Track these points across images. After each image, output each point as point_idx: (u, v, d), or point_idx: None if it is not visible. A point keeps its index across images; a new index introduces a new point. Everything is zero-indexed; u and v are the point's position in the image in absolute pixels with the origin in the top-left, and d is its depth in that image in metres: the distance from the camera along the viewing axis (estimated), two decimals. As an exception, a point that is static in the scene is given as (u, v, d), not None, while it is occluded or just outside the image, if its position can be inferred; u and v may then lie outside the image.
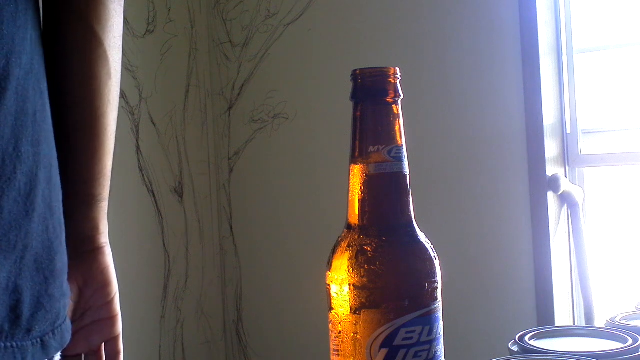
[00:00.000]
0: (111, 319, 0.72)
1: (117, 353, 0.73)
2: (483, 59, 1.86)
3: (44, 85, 0.60)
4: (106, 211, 0.72)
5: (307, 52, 2.17)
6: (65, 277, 0.61)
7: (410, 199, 0.57)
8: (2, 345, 0.52)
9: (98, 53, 0.66)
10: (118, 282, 0.73)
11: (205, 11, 2.37)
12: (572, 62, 1.85)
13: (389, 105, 0.57)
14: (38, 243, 0.57)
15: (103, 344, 0.72)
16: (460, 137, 1.90)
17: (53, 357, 0.61)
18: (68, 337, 0.61)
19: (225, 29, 2.34)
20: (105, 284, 0.71)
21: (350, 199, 0.57)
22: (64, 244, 0.61)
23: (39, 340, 0.56)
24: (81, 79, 0.66)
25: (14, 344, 0.53)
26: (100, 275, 0.71)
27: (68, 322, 0.61)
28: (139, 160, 2.13)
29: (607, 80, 1.86)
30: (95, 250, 0.71)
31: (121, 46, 0.69)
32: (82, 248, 0.69)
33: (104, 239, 0.72)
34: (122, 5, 0.68)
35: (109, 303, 0.71)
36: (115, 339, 0.72)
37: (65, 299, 0.61)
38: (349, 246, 0.56)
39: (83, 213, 0.69)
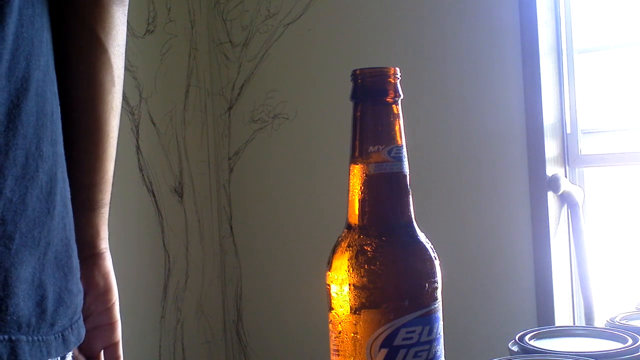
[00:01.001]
0: (111, 324, 0.72)
1: (116, 359, 0.73)
2: (483, 59, 1.86)
3: (56, 88, 0.61)
4: (107, 217, 0.73)
5: (307, 52, 2.17)
6: (79, 274, 0.63)
7: (410, 199, 0.57)
8: (30, 339, 0.54)
9: (102, 60, 0.67)
10: (118, 282, 0.73)
11: (205, 11, 2.37)
12: (572, 62, 1.85)
13: (389, 105, 0.57)
14: (58, 240, 0.58)
15: (103, 350, 0.72)
16: (460, 137, 1.90)
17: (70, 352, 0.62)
18: (83, 332, 0.62)
19: (225, 29, 2.34)
20: (106, 290, 0.71)
21: (350, 199, 0.57)
22: (75, 242, 0.63)
23: (60, 334, 0.58)
24: (85, 85, 0.67)
25: (40, 337, 0.55)
26: (102, 280, 0.71)
27: (82, 318, 0.63)
28: (139, 160, 2.13)
29: (607, 80, 1.86)
30: (96, 255, 0.71)
31: (124, 54, 0.70)
32: (84, 253, 0.69)
33: (105, 244, 0.73)
34: (126, 14, 0.69)
35: (110, 309, 0.72)
36: (115, 345, 0.73)
37: (81, 295, 0.63)
38: (349, 246, 0.56)
39: (85, 218, 0.70)
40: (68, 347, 0.59)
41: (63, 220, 0.59)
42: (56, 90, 0.60)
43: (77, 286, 0.61)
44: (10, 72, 0.53)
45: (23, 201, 0.54)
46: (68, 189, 0.62)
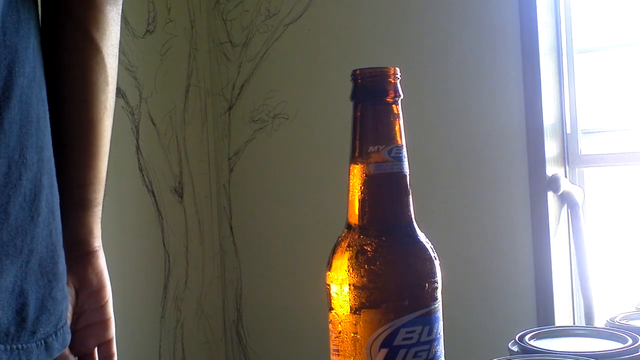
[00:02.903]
0: (105, 322, 0.72)
1: (111, 356, 0.73)
2: (483, 59, 1.86)
3: (45, 93, 0.61)
4: (100, 215, 0.73)
5: (307, 52, 2.17)
6: (66, 279, 0.62)
7: (410, 199, 0.57)
8: (9, 347, 0.53)
9: (96, 60, 0.67)
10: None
11: (205, 11, 2.37)
12: (572, 62, 1.85)
13: (389, 105, 0.57)
14: (42, 247, 0.58)
15: (97, 347, 0.72)
16: (460, 137, 1.90)
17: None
18: (69, 338, 0.62)
19: (225, 29, 2.34)
20: (100, 288, 0.72)
21: (350, 199, 0.57)
22: (62, 247, 0.62)
23: (42, 342, 0.57)
24: (79, 85, 0.67)
25: (20, 346, 0.55)
26: (95, 278, 0.71)
27: (68, 324, 0.63)
28: (139, 160, 2.13)
29: (607, 80, 1.86)
30: (90, 254, 0.71)
31: (117, 54, 0.70)
32: (77, 252, 0.70)
33: (98, 242, 0.73)
34: (120, 13, 0.69)
35: (103, 306, 0.72)
36: (108, 342, 0.73)
37: (66, 301, 0.62)
38: (349, 246, 0.56)
39: (78, 217, 0.70)
40: (51, 354, 0.59)
41: (49, 226, 0.59)
42: (44, 97, 0.60)
43: (63, 292, 0.61)
44: None
45: (5, 210, 0.53)
46: (56, 194, 0.61)
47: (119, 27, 0.70)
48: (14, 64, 0.55)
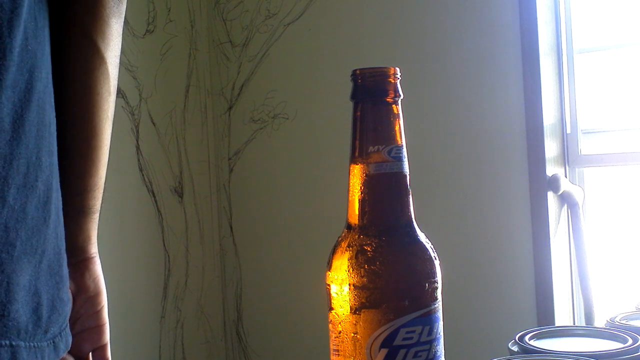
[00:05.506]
0: (100, 327, 0.73)
1: None
2: (483, 58, 1.86)
3: (53, 99, 0.62)
4: (97, 222, 0.74)
5: (307, 52, 2.17)
6: (69, 283, 0.64)
7: (410, 199, 0.57)
8: (28, 345, 0.55)
9: (101, 70, 0.68)
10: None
11: (205, 11, 2.37)
12: (572, 62, 1.85)
13: (389, 105, 0.57)
14: (51, 249, 0.59)
15: (91, 352, 0.73)
16: (460, 137, 1.90)
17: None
18: (70, 339, 0.63)
19: (225, 29, 2.34)
20: (96, 293, 0.73)
21: (350, 199, 0.57)
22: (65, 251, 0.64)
23: (52, 341, 0.59)
24: (83, 94, 0.68)
25: (35, 344, 0.56)
26: (92, 284, 0.72)
27: (69, 326, 0.64)
28: (139, 160, 2.13)
29: (607, 80, 1.86)
30: (87, 260, 0.72)
31: (119, 64, 0.71)
32: (75, 258, 0.71)
33: (95, 249, 0.74)
34: (122, 24, 0.71)
35: (99, 312, 0.73)
36: (103, 347, 0.74)
37: (70, 303, 0.64)
38: (349, 246, 0.56)
39: (77, 224, 0.71)
40: (58, 354, 0.60)
41: (56, 229, 0.60)
42: (53, 103, 0.62)
43: (67, 294, 0.62)
44: (15, 83, 0.54)
45: (24, 210, 0.55)
46: (61, 198, 0.63)
47: (121, 39, 0.71)
48: (34, 69, 0.57)
